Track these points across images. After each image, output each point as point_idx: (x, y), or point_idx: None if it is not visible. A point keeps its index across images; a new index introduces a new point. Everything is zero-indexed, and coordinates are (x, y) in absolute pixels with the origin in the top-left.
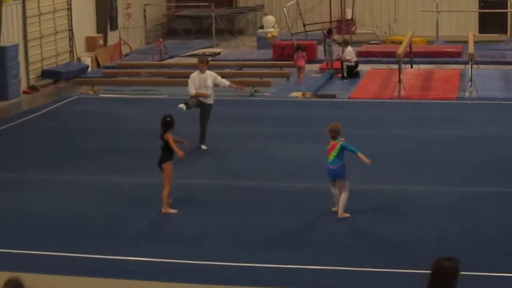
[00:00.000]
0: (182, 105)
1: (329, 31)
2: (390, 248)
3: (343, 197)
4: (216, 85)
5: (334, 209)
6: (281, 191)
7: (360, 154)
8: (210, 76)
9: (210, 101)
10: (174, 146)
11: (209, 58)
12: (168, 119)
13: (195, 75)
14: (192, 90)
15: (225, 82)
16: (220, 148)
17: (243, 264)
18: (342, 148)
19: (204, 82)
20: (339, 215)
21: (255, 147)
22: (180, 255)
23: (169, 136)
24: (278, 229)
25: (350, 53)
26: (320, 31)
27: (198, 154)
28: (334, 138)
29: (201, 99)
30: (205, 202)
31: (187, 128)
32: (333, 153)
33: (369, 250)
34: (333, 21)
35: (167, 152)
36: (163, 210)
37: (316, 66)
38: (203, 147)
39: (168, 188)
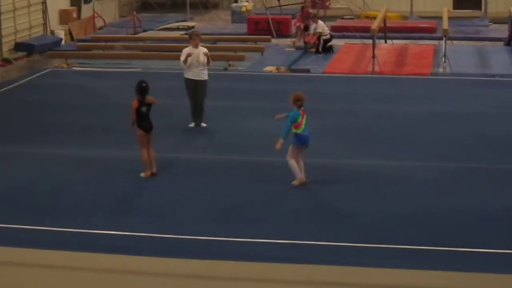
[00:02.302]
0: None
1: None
2: (360, 222)
3: (304, 164)
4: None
5: (298, 182)
6: (254, 165)
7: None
8: (203, 51)
9: (204, 77)
10: (134, 113)
11: (183, 32)
12: (144, 84)
13: (187, 49)
14: (182, 57)
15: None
16: None
17: (210, 238)
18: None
19: (197, 57)
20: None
21: (229, 121)
22: (150, 228)
23: (135, 103)
24: (246, 203)
25: (321, 26)
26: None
27: (172, 128)
28: (301, 106)
29: (195, 77)
30: (176, 176)
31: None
32: (304, 121)
33: (339, 224)
34: None
35: (149, 117)
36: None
37: (290, 41)
38: (203, 124)
39: None
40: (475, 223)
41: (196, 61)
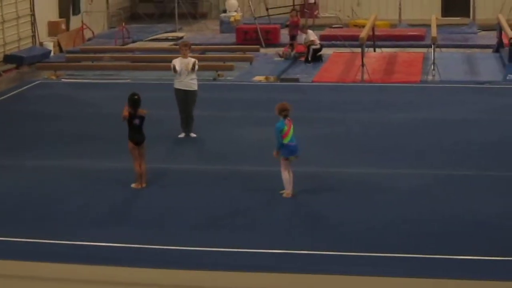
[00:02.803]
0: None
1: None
2: (351, 231)
3: (293, 176)
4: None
5: (286, 195)
6: (245, 174)
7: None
8: (192, 61)
9: (194, 87)
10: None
11: (172, 43)
12: (136, 97)
13: (177, 60)
14: (171, 67)
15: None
16: None
17: (201, 248)
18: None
19: (186, 66)
20: (291, 195)
21: (219, 131)
22: (141, 239)
23: (126, 113)
24: (237, 212)
25: (312, 34)
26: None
27: (162, 139)
28: (286, 116)
29: (184, 87)
30: (167, 186)
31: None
32: (291, 131)
33: (330, 233)
34: (296, 4)
35: (142, 130)
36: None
37: (278, 50)
38: (193, 134)
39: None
40: (467, 230)
41: (185, 70)
